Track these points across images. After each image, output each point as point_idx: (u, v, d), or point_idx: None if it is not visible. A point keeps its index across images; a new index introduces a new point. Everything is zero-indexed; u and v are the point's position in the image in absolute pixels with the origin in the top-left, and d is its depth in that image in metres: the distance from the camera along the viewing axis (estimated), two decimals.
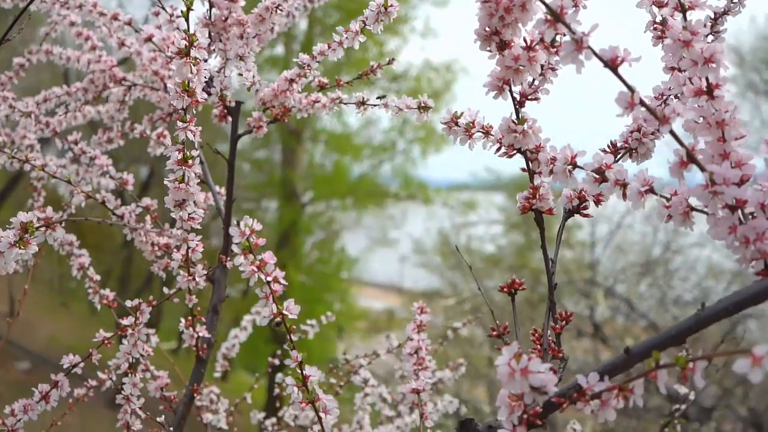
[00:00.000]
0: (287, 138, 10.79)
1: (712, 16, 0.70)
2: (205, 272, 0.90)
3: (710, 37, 0.71)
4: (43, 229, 0.65)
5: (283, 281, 0.61)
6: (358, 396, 1.19)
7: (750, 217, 0.51)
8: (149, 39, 1.02)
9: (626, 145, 0.67)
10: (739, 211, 0.52)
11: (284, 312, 0.62)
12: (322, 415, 0.63)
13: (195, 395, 0.97)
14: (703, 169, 0.50)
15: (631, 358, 0.51)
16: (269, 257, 0.61)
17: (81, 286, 1.10)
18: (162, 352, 1.26)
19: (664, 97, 0.68)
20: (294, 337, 0.66)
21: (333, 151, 11.46)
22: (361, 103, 0.92)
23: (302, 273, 10.74)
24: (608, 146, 0.68)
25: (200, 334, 0.96)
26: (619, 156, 0.68)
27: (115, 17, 1.08)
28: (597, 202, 0.67)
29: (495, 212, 10.38)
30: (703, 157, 0.54)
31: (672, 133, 0.50)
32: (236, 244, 0.60)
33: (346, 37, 0.87)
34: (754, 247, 0.49)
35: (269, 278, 0.61)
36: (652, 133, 0.66)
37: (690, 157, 0.51)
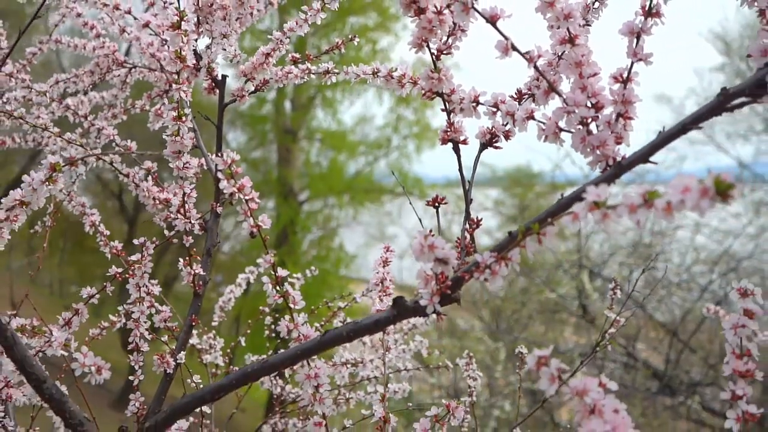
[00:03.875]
0: (283, 137, 10.96)
1: None
2: (199, 216, 1.07)
3: (597, 4, 0.89)
4: (68, 166, 0.82)
5: (258, 200, 0.79)
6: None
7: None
8: (146, 25, 1.19)
9: (529, 92, 0.85)
10: (593, 127, 0.69)
11: (260, 223, 0.79)
12: (291, 305, 0.81)
13: (193, 324, 1.15)
14: (560, 95, 0.68)
15: (513, 238, 0.68)
16: (247, 181, 0.79)
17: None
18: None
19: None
20: (271, 255, 0.83)
21: (328, 149, 11.63)
22: (326, 72, 1.10)
23: (301, 270, 10.91)
24: (515, 92, 0.85)
25: (197, 272, 1.14)
26: (524, 100, 0.85)
27: (116, 7, 1.26)
28: (506, 137, 0.84)
29: (490, 204, 10.55)
30: (570, 90, 0.72)
31: (536, 68, 0.68)
32: (220, 170, 0.77)
33: (310, 14, 1.05)
34: (598, 152, 0.67)
35: (247, 197, 0.78)
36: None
37: (551, 88, 0.68)
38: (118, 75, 1.38)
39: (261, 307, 1.54)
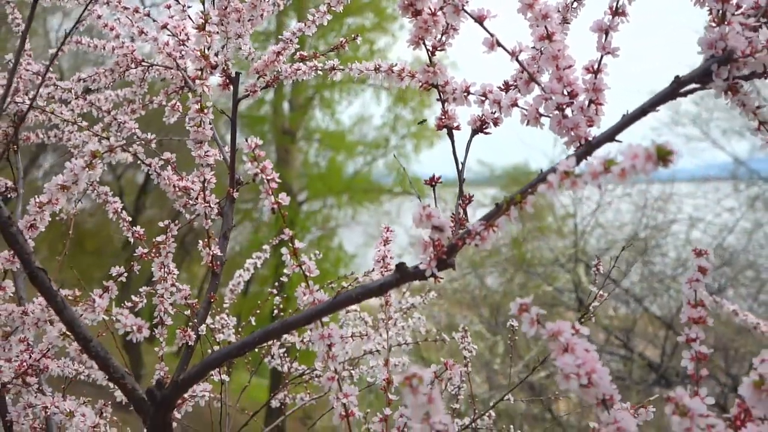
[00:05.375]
0: (281, 138, 11.08)
1: None
2: (217, 201, 1.18)
3: (575, 3, 1.00)
4: (108, 153, 0.93)
5: (278, 180, 0.89)
6: (341, 312, 1.47)
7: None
8: (164, 26, 1.30)
9: (514, 83, 0.95)
10: (568, 112, 0.80)
11: (279, 200, 0.90)
12: (307, 273, 0.91)
13: (211, 301, 1.25)
14: (539, 84, 0.78)
15: (500, 209, 0.78)
16: (268, 164, 0.89)
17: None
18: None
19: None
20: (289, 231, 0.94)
21: (327, 149, 11.73)
22: (332, 68, 1.20)
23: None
24: (502, 83, 0.96)
25: (215, 253, 1.24)
26: (509, 90, 0.95)
27: (136, 10, 1.36)
28: (495, 124, 0.95)
29: (488, 203, 10.65)
30: (548, 80, 0.82)
31: (518, 62, 0.79)
32: (245, 154, 0.88)
33: (318, 16, 1.16)
34: (573, 133, 0.78)
35: (268, 177, 0.89)
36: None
37: (531, 78, 0.79)
38: (136, 73, 1.48)
39: (269, 289, 1.64)
